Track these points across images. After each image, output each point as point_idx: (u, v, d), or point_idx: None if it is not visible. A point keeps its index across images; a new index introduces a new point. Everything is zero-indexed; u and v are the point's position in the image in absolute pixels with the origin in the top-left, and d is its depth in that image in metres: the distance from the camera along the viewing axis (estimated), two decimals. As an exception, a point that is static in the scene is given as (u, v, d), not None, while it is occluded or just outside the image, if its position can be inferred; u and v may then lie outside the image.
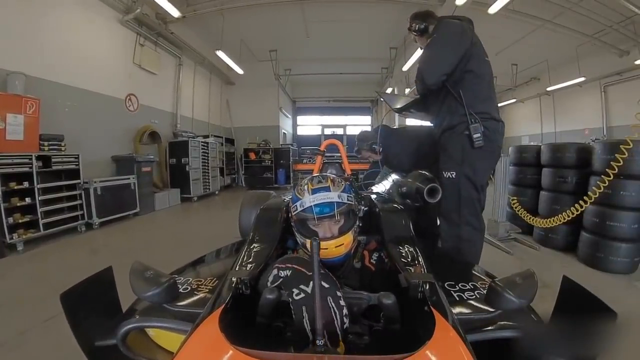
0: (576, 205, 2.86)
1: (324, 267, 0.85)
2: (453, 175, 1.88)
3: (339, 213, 1.00)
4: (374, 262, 1.15)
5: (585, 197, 2.78)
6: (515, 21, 6.76)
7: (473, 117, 1.80)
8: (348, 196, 1.03)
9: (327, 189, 1.02)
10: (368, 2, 6.89)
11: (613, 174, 2.57)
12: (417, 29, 2.02)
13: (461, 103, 1.82)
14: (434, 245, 2.02)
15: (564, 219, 2.97)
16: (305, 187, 1.04)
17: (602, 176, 2.63)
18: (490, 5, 5.71)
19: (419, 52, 7.56)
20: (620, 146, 2.54)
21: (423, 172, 1.84)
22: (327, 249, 0.98)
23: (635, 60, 7.42)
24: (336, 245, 0.99)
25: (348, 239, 1.02)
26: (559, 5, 6.31)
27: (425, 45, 1.89)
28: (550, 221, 3.11)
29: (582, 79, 8.64)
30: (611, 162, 2.57)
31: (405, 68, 8.66)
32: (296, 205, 1.03)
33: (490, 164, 2.03)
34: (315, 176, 1.10)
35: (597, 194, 2.67)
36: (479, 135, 1.79)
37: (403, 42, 8.45)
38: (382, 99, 2.77)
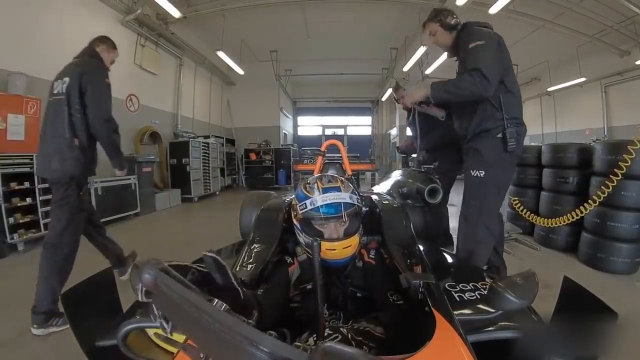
0: (585, 205, 2.82)
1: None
2: (481, 175, 1.89)
3: (348, 214, 0.98)
4: (373, 257, 1.14)
5: (594, 197, 2.75)
6: (516, 21, 6.77)
7: (509, 122, 1.84)
8: (357, 198, 1.02)
9: (338, 189, 0.99)
10: (368, 2, 6.90)
11: (621, 173, 2.54)
12: (448, 21, 1.96)
13: (499, 108, 1.85)
14: (444, 247, 2.03)
15: (570, 218, 2.94)
16: (315, 185, 1.01)
17: (610, 176, 2.60)
18: (491, 5, 5.72)
19: (420, 52, 7.60)
20: (628, 147, 2.52)
21: (423, 172, 1.84)
22: (335, 250, 0.97)
23: (636, 60, 7.41)
24: (344, 247, 0.98)
25: (355, 241, 1.01)
26: (559, 5, 6.31)
27: (471, 50, 1.79)
28: (554, 221, 3.10)
29: (583, 79, 8.63)
30: (619, 163, 2.55)
31: (405, 68, 8.67)
32: (305, 203, 0.99)
33: (515, 168, 2.06)
34: (324, 175, 1.08)
35: (606, 193, 2.63)
36: (513, 140, 1.84)
37: (404, 42, 8.46)
38: (401, 87, 2.65)
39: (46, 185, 3.74)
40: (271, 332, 0.75)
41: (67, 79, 2.04)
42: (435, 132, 2.54)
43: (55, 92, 2.09)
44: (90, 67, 2.13)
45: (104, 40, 2.31)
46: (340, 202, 0.97)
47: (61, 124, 1.98)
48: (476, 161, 1.92)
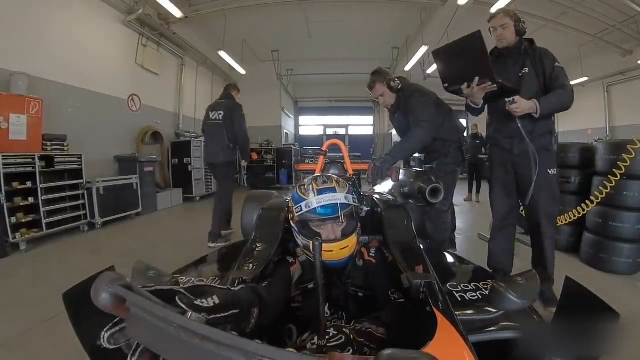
0: (582, 205, 2.82)
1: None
2: (555, 172, 2.05)
3: (344, 215, 0.96)
4: (373, 255, 1.13)
5: (592, 197, 2.75)
6: (518, 21, 6.74)
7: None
8: (353, 198, 1.01)
9: (333, 190, 0.98)
10: (369, 2, 6.89)
11: (620, 174, 2.54)
12: (521, 24, 2.03)
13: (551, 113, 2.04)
14: (441, 246, 2.02)
15: (570, 218, 2.93)
16: (310, 187, 1.00)
17: (609, 176, 2.60)
18: (493, 4, 5.69)
19: (422, 52, 7.57)
20: (628, 146, 2.51)
21: (424, 172, 1.84)
22: (332, 251, 0.96)
23: (639, 59, 7.38)
24: (341, 247, 0.97)
25: (352, 242, 1.00)
26: (561, 4, 6.29)
27: (559, 69, 1.97)
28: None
29: (585, 78, 8.59)
30: (618, 162, 2.54)
31: (407, 68, 8.65)
32: (300, 206, 0.98)
33: None
34: (319, 176, 1.06)
35: (604, 194, 2.63)
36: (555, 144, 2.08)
37: (405, 41, 8.44)
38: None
39: (48, 184, 3.78)
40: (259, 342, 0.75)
41: (221, 112, 3.68)
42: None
43: (212, 118, 3.71)
44: (232, 105, 3.77)
45: (235, 87, 3.98)
46: (337, 203, 0.96)
47: (223, 137, 3.63)
48: (551, 160, 2.05)
